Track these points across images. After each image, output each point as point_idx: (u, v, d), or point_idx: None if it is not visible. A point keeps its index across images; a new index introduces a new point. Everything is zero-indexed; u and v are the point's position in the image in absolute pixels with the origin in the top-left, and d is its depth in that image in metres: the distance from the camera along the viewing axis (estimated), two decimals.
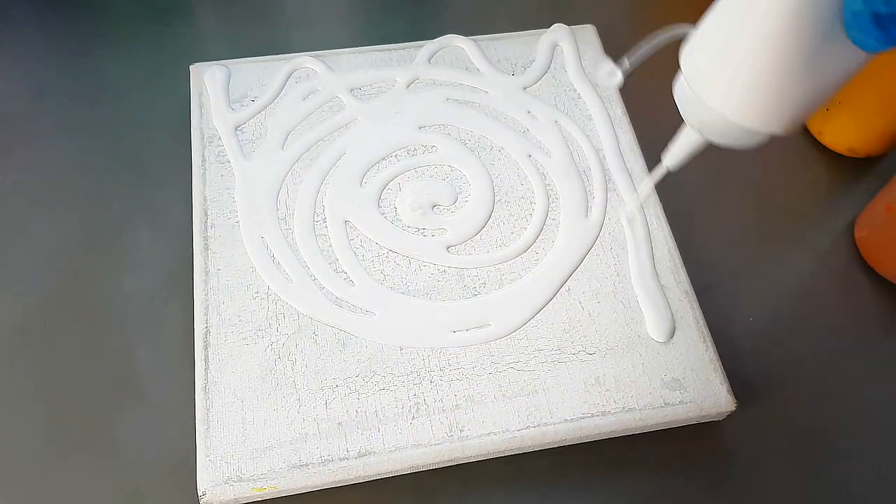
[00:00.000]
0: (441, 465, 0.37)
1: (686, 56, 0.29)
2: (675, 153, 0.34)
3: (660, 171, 0.36)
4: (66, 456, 0.37)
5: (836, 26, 0.23)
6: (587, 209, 0.43)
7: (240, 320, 0.39)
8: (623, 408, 0.37)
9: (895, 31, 0.23)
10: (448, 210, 0.43)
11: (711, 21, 0.27)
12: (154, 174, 0.46)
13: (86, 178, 0.46)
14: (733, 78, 0.26)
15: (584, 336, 0.39)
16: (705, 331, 0.40)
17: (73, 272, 0.43)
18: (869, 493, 0.38)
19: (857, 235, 0.45)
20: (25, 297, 0.42)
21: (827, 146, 0.49)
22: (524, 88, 0.48)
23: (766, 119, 0.27)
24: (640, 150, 0.46)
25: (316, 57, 0.48)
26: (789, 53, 0.24)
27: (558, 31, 0.50)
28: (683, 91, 0.29)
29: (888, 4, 0.22)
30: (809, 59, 0.24)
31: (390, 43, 0.50)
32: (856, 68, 0.26)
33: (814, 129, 0.49)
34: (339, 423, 0.36)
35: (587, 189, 0.44)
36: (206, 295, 0.39)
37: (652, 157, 0.45)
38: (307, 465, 0.35)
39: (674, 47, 0.30)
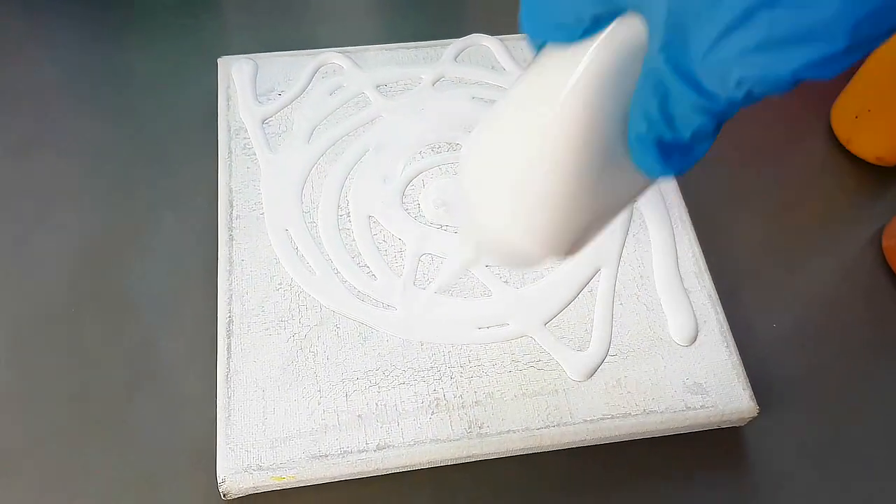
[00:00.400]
0: (459, 461, 0.37)
1: (467, 149, 0.25)
2: (449, 274, 0.32)
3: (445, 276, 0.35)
4: (86, 441, 0.37)
5: (622, 150, 0.22)
6: None
7: (263, 311, 0.39)
8: (644, 410, 0.37)
9: (678, 160, 0.21)
10: None
11: (496, 113, 0.24)
12: (180, 165, 0.46)
13: (112, 168, 0.47)
14: (510, 189, 0.23)
15: (607, 337, 0.39)
16: (728, 335, 0.39)
17: (98, 259, 0.43)
18: (891, 503, 0.38)
19: (884, 245, 0.45)
20: (50, 283, 0.42)
21: (855, 154, 0.49)
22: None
23: (542, 241, 0.24)
24: None
25: (343, 53, 0.49)
26: (574, 170, 0.22)
27: None
28: (461, 196, 0.25)
29: (674, 130, 0.20)
30: (595, 180, 0.22)
31: (417, 40, 0.50)
32: (641, 192, 0.24)
33: (842, 138, 0.49)
34: (358, 416, 0.36)
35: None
36: (230, 285, 0.40)
37: None
38: (326, 455, 0.35)
39: None
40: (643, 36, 0.20)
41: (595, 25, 0.21)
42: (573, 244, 0.25)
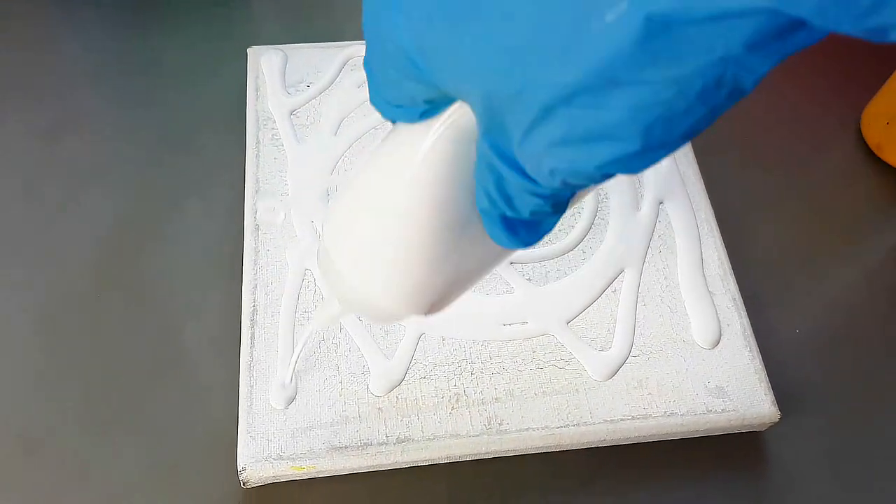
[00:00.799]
0: (477, 457, 0.37)
1: (329, 208, 0.25)
2: (315, 323, 0.32)
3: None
4: (108, 427, 0.38)
5: (476, 219, 0.22)
6: (637, 208, 0.43)
7: (287, 301, 0.39)
8: (665, 412, 0.37)
9: (525, 235, 0.21)
10: None
11: (354, 177, 0.25)
12: (207, 154, 0.47)
13: (139, 156, 0.47)
14: (368, 252, 0.24)
15: (629, 338, 0.39)
16: (751, 339, 0.39)
17: (124, 246, 0.43)
18: None
19: None
20: (75, 269, 0.42)
21: (886, 161, 0.48)
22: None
23: (402, 301, 0.24)
24: (689, 143, 0.45)
25: None
26: (426, 236, 0.22)
27: None
28: (323, 253, 0.26)
29: (513, 209, 0.20)
30: (449, 245, 0.23)
31: None
32: (505, 256, 0.24)
33: (872, 144, 0.48)
34: (379, 409, 0.36)
35: (637, 188, 0.44)
36: (255, 274, 0.40)
37: (702, 152, 0.45)
38: (346, 447, 0.35)
39: None
40: (473, 119, 0.20)
41: (432, 108, 0.21)
42: (434, 303, 0.25)
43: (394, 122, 0.23)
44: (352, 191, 0.25)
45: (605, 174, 0.18)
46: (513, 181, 0.19)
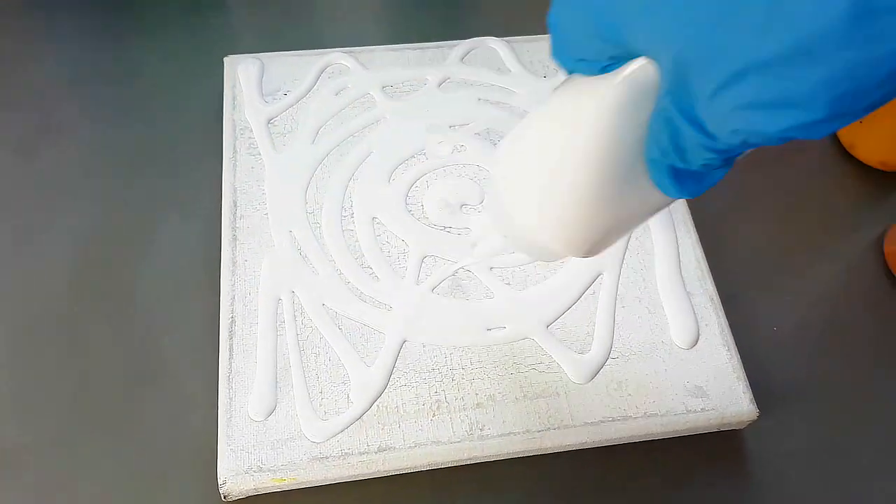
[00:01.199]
0: (460, 463, 0.37)
1: (500, 151, 0.28)
2: (477, 253, 0.34)
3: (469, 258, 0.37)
4: (88, 441, 0.38)
5: (641, 168, 0.23)
6: None
7: (265, 311, 0.39)
8: (645, 413, 0.37)
9: (691, 185, 0.23)
10: (475, 209, 0.43)
11: (529, 123, 0.27)
12: (185, 164, 0.47)
13: (117, 166, 0.47)
14: (538, 192, 0.26)
15: (608, 340, 0.39)
16: (729, 339, 0.39)
17: (102, 258, 0.43)
18: None
19: (886, 250, 0.45)
20: (54, 281, 0.42)
21: (859, 159, 0.49)
22: (555, 91, 0.48)
23: (565, 241, 0.26)
24: None
25: (349, 53, 0.49)
26: (597, 180, 0.24)
27: None
28: (493, 190, 0.28)
29: (685, 161, 0.21)
30: (616, 190, 0.24)
31: (423, 41, 0.50)
32: (661, 206, 0.26)
33: (846, 142, 0.49)
34: (360, 418, 0.36)
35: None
36: (233, 285, 0.40)
37: None
38: (327, 457, 0.35)
39: None
40: (656, 76, 0.21)
41: (613, 63, 0.22)
42: (593, 246, 0.27)
43: (571, 73, 0.25)
44: (526, 133, 0.27)
45: (785, 138, 0.19)
46: (690, 136, 0.20)
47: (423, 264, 0.41)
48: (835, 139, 0.50)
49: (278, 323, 0.39)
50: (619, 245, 0.42)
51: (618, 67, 0.23)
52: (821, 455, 0.39)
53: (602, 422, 0.37)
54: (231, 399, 0.37)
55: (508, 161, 0.27)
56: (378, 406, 0.37)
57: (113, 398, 0.39)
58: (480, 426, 0.37)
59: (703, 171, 0.22)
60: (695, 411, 0.37)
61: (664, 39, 0.20)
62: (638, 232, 0.43)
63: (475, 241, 0.41)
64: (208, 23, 0.54)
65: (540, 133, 0.26)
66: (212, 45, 0.52)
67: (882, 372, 0.41)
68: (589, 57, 0.23)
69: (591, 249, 0.27)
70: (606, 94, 0.23)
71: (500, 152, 0.28)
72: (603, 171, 0.24)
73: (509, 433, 0.36)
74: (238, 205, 0.43)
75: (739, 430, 0.39)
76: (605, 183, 0.24)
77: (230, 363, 0.38)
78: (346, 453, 0.35)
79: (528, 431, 0.36)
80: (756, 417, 0.37)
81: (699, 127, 0.20)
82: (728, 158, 0.21)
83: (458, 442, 0.36)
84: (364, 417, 0.36)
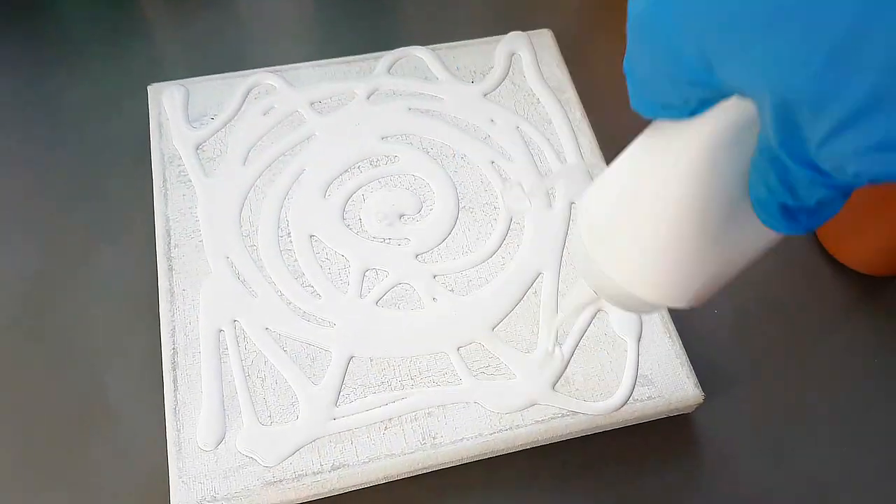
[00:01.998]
0: (416, 473, 0.37)
1: (584, 205, 0.26)
2: (569, 310, 0.32)
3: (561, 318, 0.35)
4: (36, 487, 0.37)
5: (745, 205, 0.22)
6: (550, 209, 0.44)
7: (207, 340, 0.39)
8: (593, 406, 0.38)
9: (806, 221, 0.20)
10: (413, 219, 0.43)
11: (614, 173, 0.25)
12: (115, 197, 0.46)
13: (45, 204, 0.46)
14: (632, 244, 0.24)
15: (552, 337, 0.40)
16: (671, 325, 0.40)
17: (36, 299, 0.42)
18: (837, 478, 0.39)
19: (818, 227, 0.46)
20: None
21: None
22: (484, 95, 0.48)
23: (666, 292, 0.25)
24: (600, 151, 0.46)
25: (274, 72, 0.49)
26: (696, 226, 0.22)
27: (515, 38, 0.51)
28: (579, 245, 0.26)
29: (797, 199, 0.20)
30: (718, 234, 0.23)
31: (348, 55, 0.50)
32: (770, 245, 0.24)
33: None
34: (312, 439, 0.36)
35: (548, 189, 0.44)
36: (173, 316, 0.39)
37: (612, 157, 0.46)
38: (281, 481, 0.35)
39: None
40: (755, 113, 0.20)
41: (702, 106, 0.21)
42: (697, 294, 0.25)
43: (654, 119, 0.23)
44: (614, 183, 0.25)
45: None
46: (801, 176, 0.19)
47: (366, 278, 0.41)
48: None
49: (221, 350, 0.38)
50: (556, 244, 0.42)
51: (707, 109, 0.21)
52: (768, 430, 0.40)
53: (552, 419, 0.37)
54: (179, 431, 0.36)
55: (595, 212, 0.25)
56: (329, 424, 0.37)
57: (59, 442, 0.38)
58: (433, 435, 0.37)
59: (817, 208, 0.20)
60: (642, 400, 0.38)
61: (765, 79, 0.17)
62: (575, 229, 0.43)
63: (567, 297, 0.38)
64: (131, 52, 0.53)
65: (629, 182, 0.24)
66: (135, 75, 0.51)
67: (820, 345, 0.43)
68: (675, 102, 0.21)
69: (695, 298, 0.25)
70: (703, 136, 0.21)
71: (585, 203, 0.26)
72: (703, 215, 0.22)
73: (462, 439, 0.37)
74: (172, 234, 0.42)
75: (688, 414, 0.40)
76: (706, 228, 0.22)
77: (175, 395, 0.37)
78: (299, 475, 0.35)
79: (480, 435, 0.37)
80: (702, 401, 0.38)
81: (812, 167, 0.18)
82: (847, 193, 0.19)
83: (412, 453, 0.36)
84: (315, 437, 0.36)
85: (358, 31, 0.55)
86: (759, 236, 0.23)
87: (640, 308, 0.27)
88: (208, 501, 0.34)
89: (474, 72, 0.50)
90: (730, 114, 0.21)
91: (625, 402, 0.38)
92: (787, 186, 0.19)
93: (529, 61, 0.50)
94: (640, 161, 0.24)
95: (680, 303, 0.25)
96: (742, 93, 0.19)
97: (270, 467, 0.35)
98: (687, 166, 0.22)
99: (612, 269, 0.25)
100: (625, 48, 0.22)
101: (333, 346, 0.39)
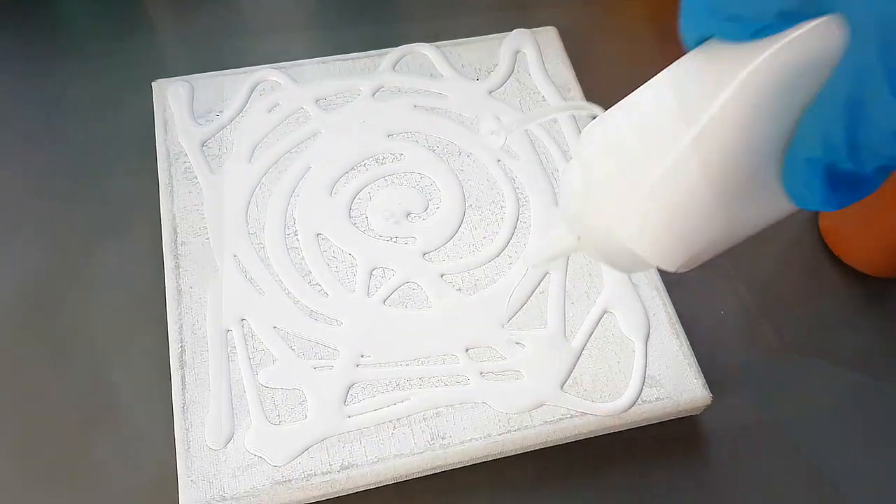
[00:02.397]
0: (424, 473, 0.37)
1: (589, 138, 0.23)
2: (541, 256, 0.28)
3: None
4: (43, 488, 0.37)
5: (772, 171, 0.19)
6: (556, 206, 0.44)
7: (215, 338, 0.38)
8: (601, 407, 0.38)
9: (844, 195, 0.18)
10: (420, 217, 0.43)
11: (632, 103, 0.22)
12: (120, 194, 0.46)
13: (50, 202, 0.45)
14: (638, 190, 0.21)
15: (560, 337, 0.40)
16: (678, 326, 0.40)
17: (42, 298, 0.42)
18: (846, 479, 0.39)
19: (821, 226, 0.46)
20: None
21: None
22: (489, 93, 0.48)
23: (661, 250, 0.22)
24: None
25: (279, 69, 0.48)
26: (714, 183, 0.20)
27: (520, 35, 0.51)
28: (573, 183, 0.23)
29: (854, 160, 0.17)
30: (732, 198, 0.20)
31: (353, 52, 0.50)
32: (777, 218, 0.22)
33: None
34: (320, 438, 0.36)
35: (555, 187, 0.44)
36: (180, 314, 0.39)
37: None
38: (289, 480, 0.35)
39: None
40: (837, 45, 0.17)
41: (775, 24, 0.18)
42: (691, 259, 0.23)
43: (699, 43, 0.19)
44: (626, 120, 0.21)
45: None
46: (889, 121, 0.16)
47: (373, 276, 0.41)
48: None
49: (229, 349, 0.38)
50: None
51: (772, 33, 0.17)
52: (776, 432, 0.40)
53: (560, 420, 0.37)
54: (187, 430, 0.36)
55: (598, 153, 0.22)
56: (338, 424, 0.36)
57: (67, 442, 0.38)
58: (441, 435, 0.37)
59: (865, 178, 0.18)
60: (650, 401, 0.38)
61: None
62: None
63: (540, 242, 0.35)
64: (135, 48, 0.53)
65: (649, 115, 0.21)
66: (140, 71, 0.50)
67: (827, 344, 0.43)
68: (746, 13, 0.17)
69: (687, 263, 0.23)
70: (755, 67, 0.18)
71: (586, 142, 0.22)
72: (731, 172, 0.19)
73: (470, 439, 0.37)
74: (178, 231, 0.42)
75: (695, 415, 0.40)
76: (726, 189, 0.20)
77: (183, 394, 0.37)
78: (308, 475, 0.35)
79: (488, 436, 0.37)
80: (710, 402, 0.38)
81: None
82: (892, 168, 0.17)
83: (421, 453, 0.36)
84: (324, 437, 0.36)
85: (362, 28, 0.54)
86: (770, 209, 0.21)
87: (624, 264, 0.24)
88: (217, 501, 0.34)
89: (479, 69, 0.50)
90: (803, 44, 0.17)
91: (633, 404, 0.38)
92: (852, 143, 0.17)
93: (534, 59, 0.50)
94: (666, 93, 0.20)
95: (670, 265, 0.23)
96: (835, 7, 0.16)
97: (279, 467, 0.35)
98: (725, 104, 0.19)
99: (609, 215, 0.22)
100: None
101: (341, 345, 0.39)
